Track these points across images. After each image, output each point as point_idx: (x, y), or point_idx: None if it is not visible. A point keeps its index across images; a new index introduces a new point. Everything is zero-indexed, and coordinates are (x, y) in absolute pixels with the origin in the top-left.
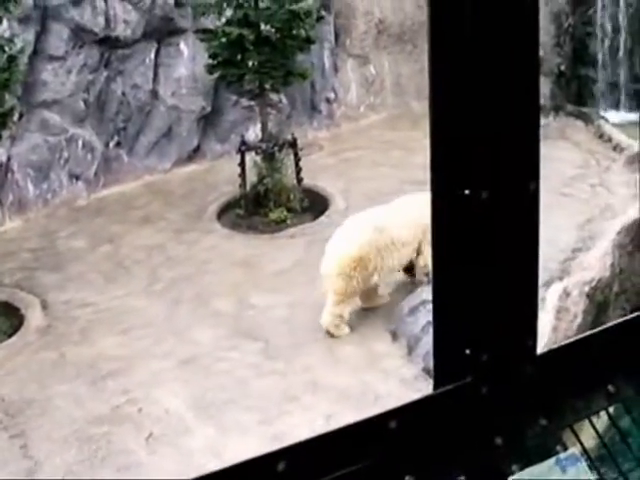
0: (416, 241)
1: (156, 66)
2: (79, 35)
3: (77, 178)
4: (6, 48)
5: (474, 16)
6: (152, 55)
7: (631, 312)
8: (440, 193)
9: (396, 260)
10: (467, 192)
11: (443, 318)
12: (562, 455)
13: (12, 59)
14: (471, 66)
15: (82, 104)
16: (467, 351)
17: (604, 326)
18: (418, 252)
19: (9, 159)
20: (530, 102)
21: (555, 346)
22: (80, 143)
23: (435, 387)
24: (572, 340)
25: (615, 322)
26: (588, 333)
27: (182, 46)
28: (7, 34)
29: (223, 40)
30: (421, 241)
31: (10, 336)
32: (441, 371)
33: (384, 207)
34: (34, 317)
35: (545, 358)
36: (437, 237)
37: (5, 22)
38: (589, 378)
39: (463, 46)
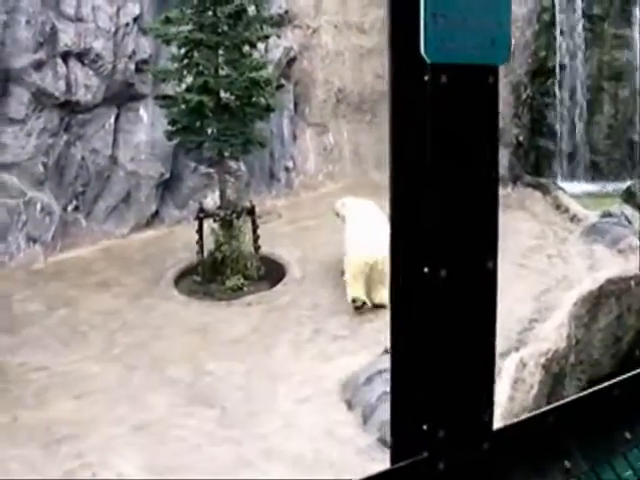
0: None
1: (116, 131)
2: (39, 99)
3: (35, 241)
4: None
5: (434, 98)
6: (112, 120)
7: (587, 383)
8: (399, 270)
9: None
10: (426, 270)
11: (401, 392)
12: None
13: None
14: (430, 144)
15: (41, 167)
16: (424, 426)
17: (559, 402)
18: None
19: None
20: (488, 182)
21: (511, 422)
22: (38, 206)
23: (392, 461)
24: (528, 416)
25: (570, 398)
26: (544, 409)
27: (142, 112)
28: None
29: (183, 107)
30: None
31: None
32: (398, 445)
33: None
34: None
35: (501, 434)
36: (396, 312)
37: None
38: (545, 453)
39: (422, 125)
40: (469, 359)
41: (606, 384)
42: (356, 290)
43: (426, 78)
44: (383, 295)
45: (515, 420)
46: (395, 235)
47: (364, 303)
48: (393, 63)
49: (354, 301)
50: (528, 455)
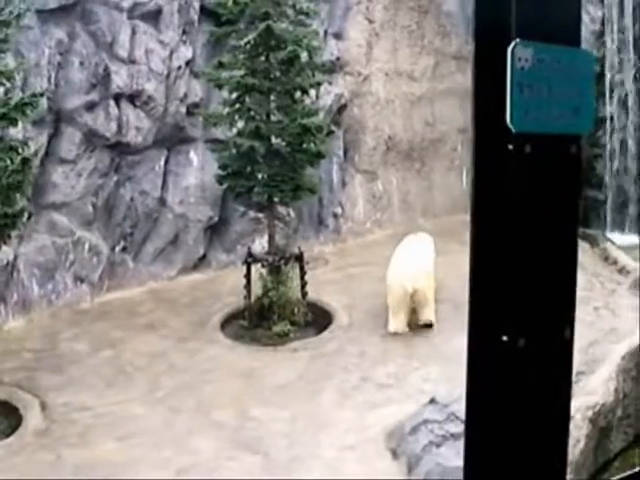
0: None
1: (165, 173)
2: (91, 139)
3: (82, 281)
4: (20, 150)
5: (518, 167)
6: (162, 162)
7: (634, 437)
8: (477, 338)
9: None
10: (505, 338)
11: (474, 462)
12: None
13: (25, 161)
14: (513, 214)
15: (90, 207)
16: None
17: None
18: None
19: (16, 258)
20: (568, 251)
21: None
22: (86, 246)
23: None
24: None
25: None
26: None
27: (192, 155)
28: (21, 136)
29: (234, 151)
30: None
31: (8, 436)
32: None
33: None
34: (32, 418)
35: None
36: (472, 380)
37: (20, 124)
38: None
39: (505, 194)
40: (544, 429)
41: None
42: (396, 324)
43: (510, 147)
44: (429, 314)
45: None
46: (474, 303)
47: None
48: (477, 131)
49: (394, 333)
50: None
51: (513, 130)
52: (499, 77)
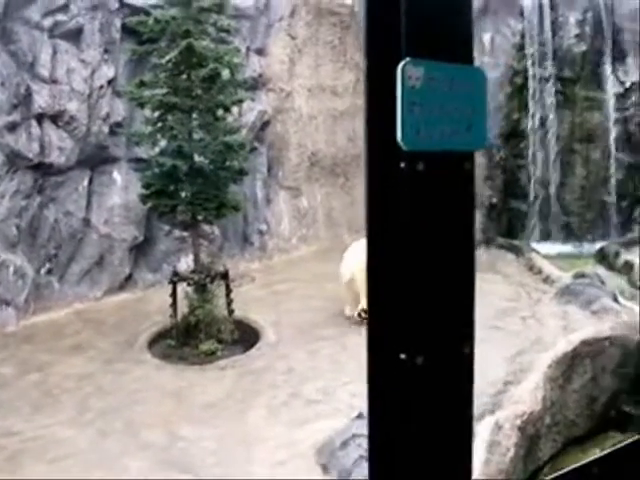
0: None
1: (89, 194)
2: (13, 160)
3: (7, 304)
4: None
5: (410, 185)
6: (85, 183)
7: (563, 445)
8: (376, 357)
9: None
10: (403, 357)
11: (380, 476)
12: None
13: None
14: (406, 232)
15: (14, 230)
16: None
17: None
18: None
19: None
20: (465, 268)
21: None
22: (11, 269)
23: None
24: None
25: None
26: None
27: (115, 175)
28: None
29: (156, 170)
30: None
31: None
32: None
33: None
34: None
35: None
36: (373, 399)
37: None
38: None
39: (399, 212)
40: (447, 447)
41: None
42: (347, 309)
43: (402, 165)
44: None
45: None
46: (372, 322)
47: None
48: (370, 150)
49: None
50: None
51: (404, 148)
52: (390, 96)
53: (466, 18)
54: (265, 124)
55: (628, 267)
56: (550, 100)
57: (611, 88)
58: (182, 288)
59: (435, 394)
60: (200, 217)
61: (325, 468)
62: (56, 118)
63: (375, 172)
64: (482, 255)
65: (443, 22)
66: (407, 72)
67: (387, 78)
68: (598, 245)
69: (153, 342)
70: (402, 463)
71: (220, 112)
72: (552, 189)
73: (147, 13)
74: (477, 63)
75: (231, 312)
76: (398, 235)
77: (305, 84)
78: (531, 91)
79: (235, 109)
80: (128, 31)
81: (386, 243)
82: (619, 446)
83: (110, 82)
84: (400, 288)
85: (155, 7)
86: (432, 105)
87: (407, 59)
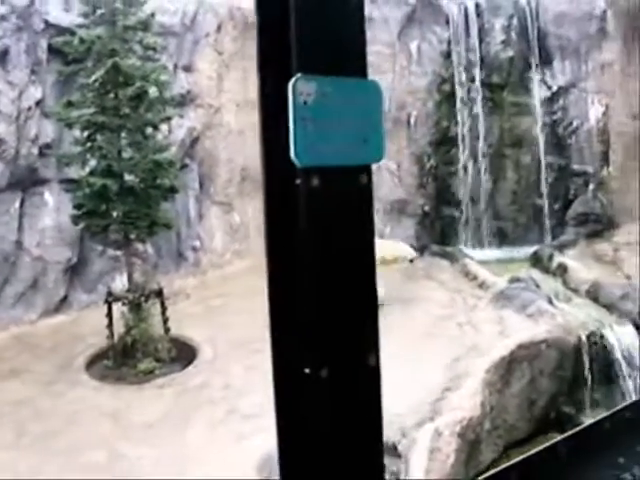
0: None
1: (21, 216)
2: None
3: None
4: None
5: (306, 201)
6: (17, 205)
7: (504, 448)
8: (281, 371)
9: None
10: (307, 370)
11: None
12: None
13: None
14: (304, 249)
15: None
16: None
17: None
18: None
19: None
20: (365, 281)
21: None
22: None
23: None
24: None
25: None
26: None
27: (47, 196)
28: None
29: (87, 191)
30: None
31: None
32: None
33: None
34: None
35: None
36: (280, 414)
37: None
38: None
39: (296, 229)
40: (357, 459)
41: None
42: None
43: (297, 182)
44: None
45: None
46: (275, 337)
47: None
48: (266, 167)
49: None
50: None
51: (298, 165)
52: (284, 112)
53: (359, 32)
54: (195, 140)
55: (562, 269)
56: (478, 106)
57: (538, 93)
58: (118, 308)
59: (341, 407)
60: (132, 236)
61: None
62: None
63: (271, 190)
64: (417, 263)
65: (335, 37)
66: (298, 88)
67: (280, 95)
68: (532, 249)
69: (91, 363)
70: (311, 478)
71: (149, 130)
72: (484, 195)
73: (73, 33)
74: (405, 72)
75: (167, 330)
76: (297, 252)
77: (233, 99)
78: (459, 98)
79: (164, 126)
80: (55, 51)
81: (285, 260)
82: (553, 441)
83: (38, 103)
84: (301, 304)
85: (81, 27)
86: (326, 120)
87: (298, 75)
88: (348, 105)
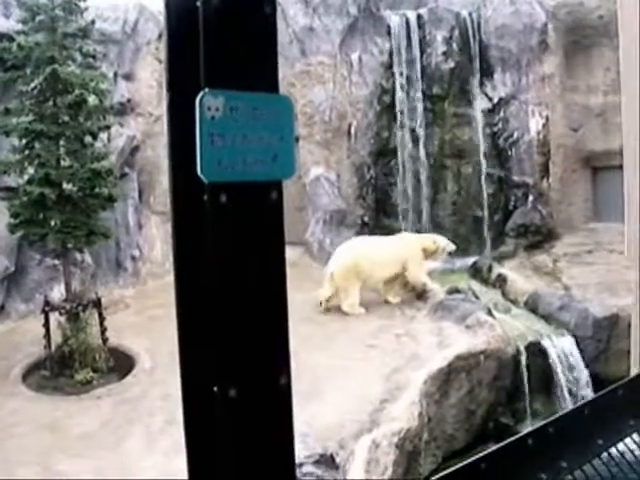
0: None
1: None
2: None
3: None
4: None
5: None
6: None
7: (442, 459)
8: (190, 389)
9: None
10: (215, 389)
11: None
12: None
13: None
14: (213, 265)
15: None
16: None
17: None
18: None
19: None
20: (276, 298)
21: None
22: None
23: None
24: None
25: None
26: None
27: None
28: None
29: (24, 199)
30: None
31: None
32: None
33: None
34: None
35: None
36: (189, 432)
37: None
38: None
39: (204, 245)
40: (267, 477)
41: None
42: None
43: (205, 198)
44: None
45: None
46: (183, 356)
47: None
48: (173, 183)
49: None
50: None
51: (205, 181)
52: (192, 127)
53: (271, 47)
54: (135, 149)
55: (501, 280)
56: (419, 117)
57: (479, 104)
58: (55, 318)
59: (250, 426)
60: (70, 245)
61: None
62: None
63: (179, 207)
64: None
65: (245, 52)
66: (206, 103)
67: (188, 110)
68: (471, 260)
69: (27, 374)
70: None
71: (88, 139)
72: (424, 205)
73: (11, 39)
74: (346, 82)
75: (105, 340)
76: (205, 268)
77: None
78: (399, 109)
79: (103, 135)
80: None
81: (194, 276)
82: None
83: None
84: (210, 321)
85: (20, 33)
86: (234, 135)
87: (205, 90)
88: (258, 120)
